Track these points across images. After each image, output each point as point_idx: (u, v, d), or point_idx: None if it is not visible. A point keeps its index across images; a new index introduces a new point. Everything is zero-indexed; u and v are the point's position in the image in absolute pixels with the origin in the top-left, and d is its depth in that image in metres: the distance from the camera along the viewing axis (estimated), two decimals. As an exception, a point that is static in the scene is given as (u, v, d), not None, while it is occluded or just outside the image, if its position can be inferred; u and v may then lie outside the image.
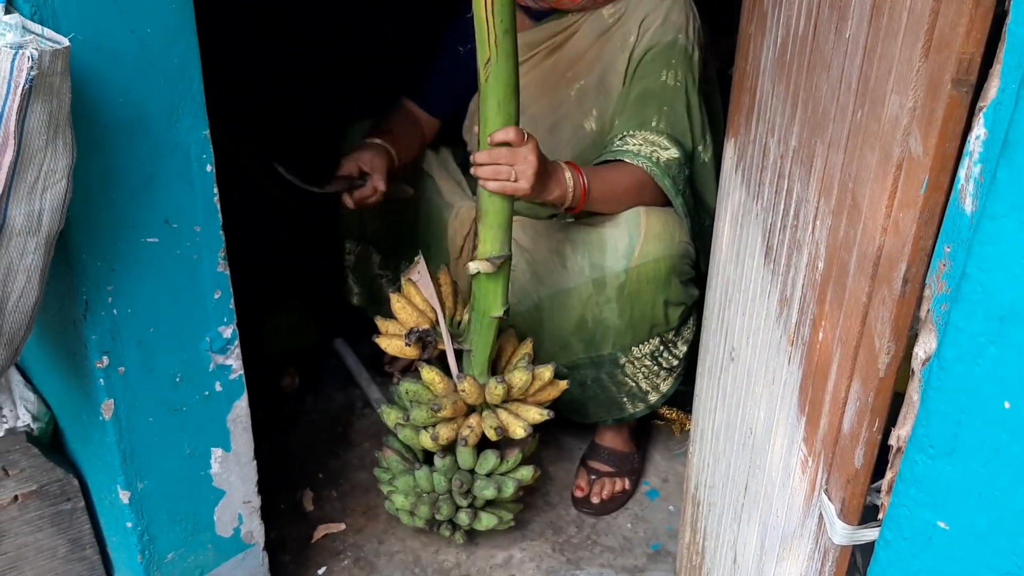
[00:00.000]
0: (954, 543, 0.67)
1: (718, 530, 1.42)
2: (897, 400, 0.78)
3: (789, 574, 1.02)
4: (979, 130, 0.65)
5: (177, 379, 1.33)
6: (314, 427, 2.15)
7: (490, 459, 1.70)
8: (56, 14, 1.03)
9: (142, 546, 1.40)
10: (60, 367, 1.35)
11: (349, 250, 2.15)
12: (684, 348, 1.84)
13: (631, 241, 1.71)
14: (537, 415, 1.65)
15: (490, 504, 1.78)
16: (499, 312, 1.60)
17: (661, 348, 1.83)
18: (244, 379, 1.42)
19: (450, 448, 1.70)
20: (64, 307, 1.24)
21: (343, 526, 1.90)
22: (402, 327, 1.66)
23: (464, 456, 1.70)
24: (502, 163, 1.50)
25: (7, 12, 0.98)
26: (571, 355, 1.84)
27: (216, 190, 1.26)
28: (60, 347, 1.32)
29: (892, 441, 0.76)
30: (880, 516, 0.80)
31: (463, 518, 1.74)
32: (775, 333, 1.16)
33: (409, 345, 1.63)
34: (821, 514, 0.91)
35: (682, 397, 1.90)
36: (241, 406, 1.43)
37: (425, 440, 1.66)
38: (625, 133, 1.75)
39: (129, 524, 1.38)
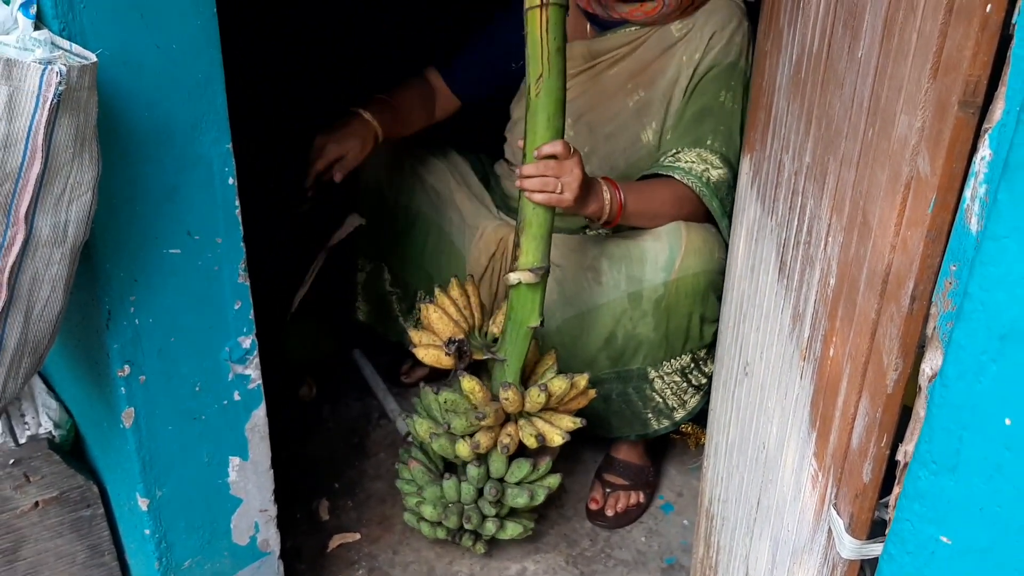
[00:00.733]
0: (956, 558, 0.68)
1: (731, 544, 1.43)
2: (906, 416, 0.79)
3: (799, 588, 1.02)
4: (984, 151, 0.66)
5: (197, 388, 1.35)
6: (330, 437, 2.17)
7: (523, 467, 1.72)
8: (84, 30, 1.05)
9: (159, 553, 1.42)
10: (82, 375, 1.38)
11: (362, 266, 2.17)
12: (713, 367, 1.84)
13: (671, 254, 1.72)
14: (570, 423, 1.68)
15: (511, 513, 1.79)
16: (536, 322, 1.62)
17: (691, 365, 1.83)
18: (262, 389, 1.43)
19: (480, 457, 1.72)
20: (87, 316, 1.26)
21: (358, 536, 1.91)
22: (437, 337, 1.68)
23: (497, 464, 1.72)
24: (549, 175, 1.53)
25: (37, 28, 1.01)
26: (597, 370, 1.85)
27: (237, 202, 1.29)
28: (82, 356, 1.34)
29: (899, 456, 0.77)
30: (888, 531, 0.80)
31: (489, 527, 1.76)
32: (788, 348, 1.17)
33: (449, 354, 1.66)
34: (830, 528, 0.91)
35: (698, 412, 1.90)
36: (259, 415, 1.45)
37: (462, 449, 1.68)
38: (679, 149, 1.76)
39: (147, 531, 1.39)
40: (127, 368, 1.26)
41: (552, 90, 1.48)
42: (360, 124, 1.87)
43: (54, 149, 1.00)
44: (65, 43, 1.03)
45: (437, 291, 1.72)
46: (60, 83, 0.96)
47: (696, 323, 1.77)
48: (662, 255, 1.73)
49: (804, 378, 1.08)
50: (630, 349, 1.81)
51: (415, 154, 2.05)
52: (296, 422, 2.18)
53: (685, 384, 1.85)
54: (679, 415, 1.89)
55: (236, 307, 1.35)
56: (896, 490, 0.77)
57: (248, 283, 1.35)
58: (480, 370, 1.72)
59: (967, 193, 0.68)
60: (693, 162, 1.74)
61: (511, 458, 1.72)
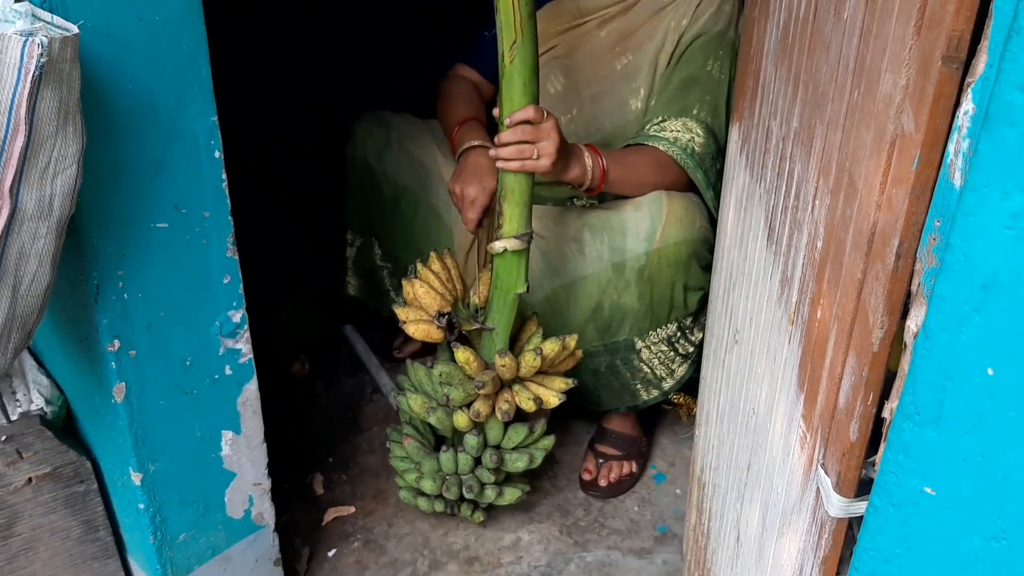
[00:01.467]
0: (941, 508, 0.68)
1: (722, 510, 1.44)
2: (891, 378, 0.80)
3: (788, 549, 1.03)
4: (967, 105, 0.66)
5: (187, 363, 1.35)
6: (324, 412, 2.17)
7: (521, 431, 1.74)
8: (65, 2, 1.04)
9: (154, 527, 1.42)
10: (72, 351, 1.38)
11: (351, 241, 2.17)
12: (700, 335, 1.85)
13: (653, 224, 1.72)
14: (562, 384, 1.70)
15: (508, 480, 1.81)
16: (522, 289, 1.63)
17: (678, 334, 1.84)
18: (254, 363, 1.44)
19: (477, 426, 1.73)
20: (76, 292, 1.26)
21: (353, 509, 1.92)
22: (424, 312, 1.69)
23: (495, 432, 1.73)
24: (526, 141, 1.52)
25: (17, 0, 1.00)
26: (584, 343, 1.85)
27: (224, 176, 1.28)
28: (72, 331, 1.34)
29: (885, 414, 0.77)
30: (875, 489, 0.81)
31: (489, 494, 1.78)
32: (776, 313, 1.18)
33: (440, 327, 1.66)
34: (818, 488, 0.92)
35: (689, 383, 1.91)
36: (251, 389, 1.45)
37: (460, 420, 1.68)
38: (664, 117, 1.76)
39: (141, 505, 1.40)
40: (117, 343, 1.26)
41: (526, 56, 1.47)
42: (483, 156, 1.78)
43: (37, 122, 0.99)
44: (46, 15, 1.03)
45: (419, 266, 1.72)
46: (42, 55, 0.96)
47: (680, 292, 1.77)
48: (643, 225, 1.73)
49: (792, 342, 1.09)
50: (616, 320, 1.82)
51: (403, 130, 2.04)
52: (290, 398, 2.18)
53: (672, 353, 1.85)
54: (667, 384, 1.89)
55: (225, 281, 1.35)
56: (882, 447, 0.78)
57: (237, 257, 1.35)
58: (465, 342, 1.73)
59: (950, 148, 0.68)
60: (678, 131, 1.73)
61: (507, 424, 1.73)
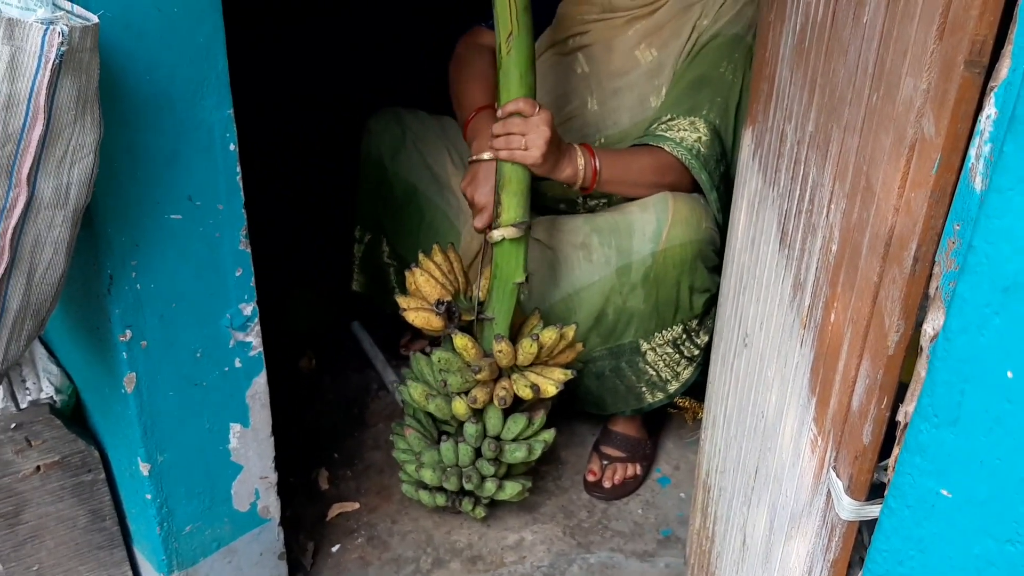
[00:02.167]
0: (956, 511, 0.68)
1: (728, 514, 1.44)
2: (904, 386, 0.80)
3: (797, 552, 1.03)
4: (990, 110, 0.66)
5: (198, 354, 1.36)
6: (330, 408, 2.18)
7: (520, 422, 1.74)
8: (86, -9, 1.05)
9: (161, 518, 1.43)
10: (83, 340, 1.38)
11: (359, 237, 2.17)
12: (706, 338, 1.85)
13: (659, 225, 1.72)
14: (562, 375, 1.70)
15: (509, 474, 1.81)
16: (521, 278, 1.65)
17: (683, 336, 1.84)
18: (263, 357, 1.44)
19: (476, 414, 1.73)
20: (88, 281, 1.26)
21: (357, 505, 1.92)
22: (425, 300, 1.70)
23: (494, 422, 1.73)
24: (514, 132, 1.53)
25: (39, -12, 1.00)
26: (588, 349, 1.85)
27: (239, 169, 1.29)
28: (84, 321, 1.35)
29: (899, 417, 0.77)
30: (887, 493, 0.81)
31: (489, 487, 1.78)
32: (788, 317, 1.18)
33: (439, 315, 1.67)
34: (829, 491, 0.92)
35: (695, 386, 1.91)
36: (260, 383, 1.45)
37: (459, 407, 1.69)
38: (673, 116, 1.76)
39: (148, 496, 1.40)
40: (128, 333, 1.26)
41: (523, 47, 1.49)
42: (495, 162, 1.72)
43: (56, 111, 1.00)
44: (67, 4, 1.03)
45: (421, 257, 1.74)
46: (62, 44, 0.96)
47: (685, 293, 1.78)
48: (649, 226, 1.73)
49: (804, 346, 1.09)
50: (621, 323, 1.82)
51: (416, 130, 2.04)
52: (296, 393, 2.18)
53: (677, 356, 1.85)
54: (673, 387, 1.89)
55: (237, 274, 1.35)
56: (896, 450, 0.78)
57: (249, 250, 1.35)
58: (482, 330, 1.73)
59: (972, 152, 0.68)
60: (686, 131, 1.73)
61: (506, 414, 1.74)
